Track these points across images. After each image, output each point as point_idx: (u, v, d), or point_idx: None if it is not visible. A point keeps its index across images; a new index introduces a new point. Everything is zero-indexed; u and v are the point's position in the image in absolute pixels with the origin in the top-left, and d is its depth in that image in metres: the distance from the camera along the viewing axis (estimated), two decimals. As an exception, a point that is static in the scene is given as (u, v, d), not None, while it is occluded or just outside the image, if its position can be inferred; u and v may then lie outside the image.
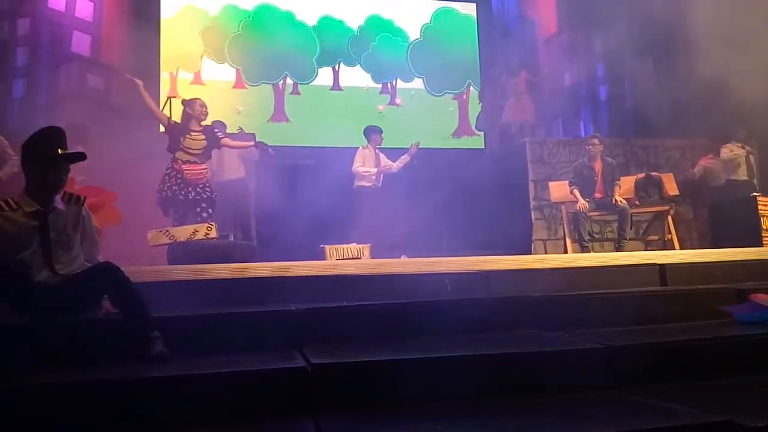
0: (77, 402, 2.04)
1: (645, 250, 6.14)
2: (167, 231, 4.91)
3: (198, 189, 5.24)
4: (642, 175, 6.66)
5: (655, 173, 6.70)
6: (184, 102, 5.51)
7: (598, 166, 6.25)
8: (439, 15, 9.85)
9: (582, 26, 9.25)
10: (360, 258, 5.51)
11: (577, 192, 6.18)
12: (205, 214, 5.23)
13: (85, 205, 2.88)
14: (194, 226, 4.94)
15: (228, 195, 6.41)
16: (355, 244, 5.69)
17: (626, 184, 6.40)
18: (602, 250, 6.67)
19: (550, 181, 6.96)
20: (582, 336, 2.82)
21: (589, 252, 5.86)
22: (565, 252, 6.34)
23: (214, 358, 2.40)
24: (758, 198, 6.12)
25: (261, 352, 2.49)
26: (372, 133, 7.03)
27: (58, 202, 2.76)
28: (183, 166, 5.20)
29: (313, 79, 9.10)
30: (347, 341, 2.68)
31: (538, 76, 8.77)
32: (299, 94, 9.03)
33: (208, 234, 4.87)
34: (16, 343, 2.49)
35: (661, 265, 3.98)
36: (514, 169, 7.41)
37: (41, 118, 7.35)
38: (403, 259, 5.09)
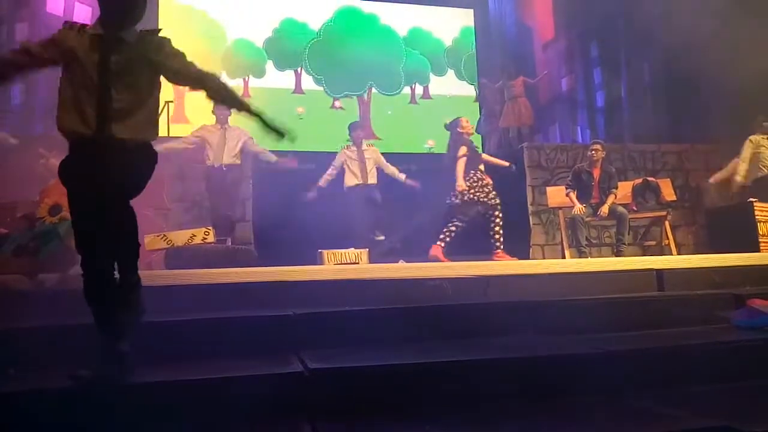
0: (75, 404, 2.03)
1: (642, 256, 6.15)
2: (164, 236, 4.90)
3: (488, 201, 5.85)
4: (639, 180, 6.64)
5: (652, 179, 6.69)
6: (452, 125, 6.02)
7: (597, 172, 6.20)
8: (341, 14, 9.42)
9: (579, 32, 9.31)
10: (358, 263, 5.49)
11: (573, 196, 6.17)
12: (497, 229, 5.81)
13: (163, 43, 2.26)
14: (192, 230, 4.94)
15: (222, 181, 6.22)
16: (353, 248, 5.68)
17: (623, 190, 6.39)
18: (600, 255, 6.68)
19: (548, 186, 6.96)
20: (580, 341, 2.82)
21: (587, 257, 5.86)
22: (563, 257, 6.33)
23: (212, 363, 2.39)
24: (755, 203, 6.12)
25: (259, 357, 2.48)
26: (351, 130, 6.77)
27: (130, 34, 2.23)
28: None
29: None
30: (345, 346, 2.68)
31: (536, 78, 8.78)
32: (249, 96, 8.51)
33: (206, 239, 4.87)
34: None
35: (659, 271, 3.98)
36: (512, 174, 7.40)
37: (40, 123, 7.34)
38: (401, 263, 5.08)
